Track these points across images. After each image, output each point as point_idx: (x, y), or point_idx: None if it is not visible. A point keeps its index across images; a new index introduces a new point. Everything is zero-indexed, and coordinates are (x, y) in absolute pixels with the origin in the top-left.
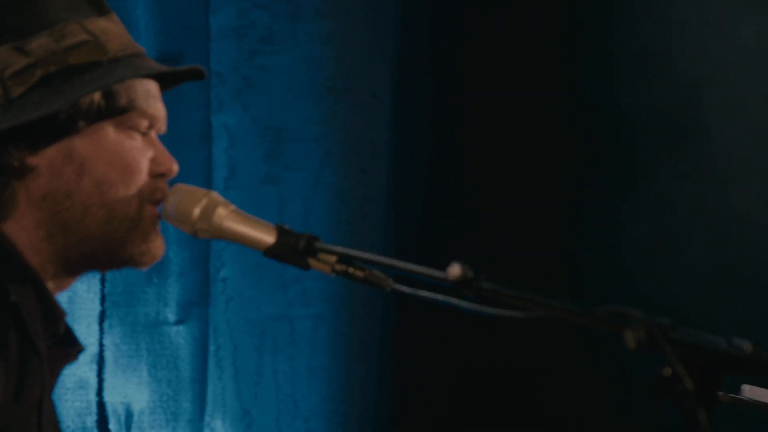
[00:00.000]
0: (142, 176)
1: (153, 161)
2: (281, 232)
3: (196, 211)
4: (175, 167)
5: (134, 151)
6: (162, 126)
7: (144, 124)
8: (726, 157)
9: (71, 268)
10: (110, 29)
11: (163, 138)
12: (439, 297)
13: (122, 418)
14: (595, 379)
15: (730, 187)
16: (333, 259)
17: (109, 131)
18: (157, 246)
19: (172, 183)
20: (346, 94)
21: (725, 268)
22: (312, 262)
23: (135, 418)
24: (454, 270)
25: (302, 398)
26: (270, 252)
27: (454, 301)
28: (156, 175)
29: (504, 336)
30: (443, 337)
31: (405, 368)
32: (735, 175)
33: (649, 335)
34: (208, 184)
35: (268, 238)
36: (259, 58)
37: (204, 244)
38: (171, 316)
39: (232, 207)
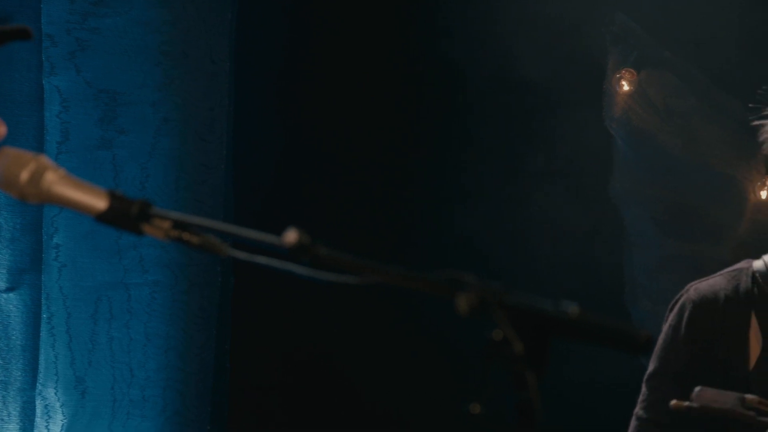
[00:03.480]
0: None
1: None
2: (113, 197)
3: (24, 176)
4: (3, 129)
5: None
6: None
7: None
8: (564, 127)
9: None
10: None
11: None
12: (276, 263)
13: None
14: (428, 344)
15: (566, 157)
16: (167, 224)
17: None
18: None
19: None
20: (183, 58)
21: (563, 237)
22: (145, 227)
23: None
24: (290, 236)
25: (138, 366)
26: (102, 217)
27: (291, 266)
28: None
29: (340, 302)
30: (281, 302)
31: (244, 335)
32: (576, 145)
33: (481, 300)
34: (40, 149)
35: (100, 203)
36: (92, 21)
37: (36, 210)
38: (1, 284)
39: (62, 171)
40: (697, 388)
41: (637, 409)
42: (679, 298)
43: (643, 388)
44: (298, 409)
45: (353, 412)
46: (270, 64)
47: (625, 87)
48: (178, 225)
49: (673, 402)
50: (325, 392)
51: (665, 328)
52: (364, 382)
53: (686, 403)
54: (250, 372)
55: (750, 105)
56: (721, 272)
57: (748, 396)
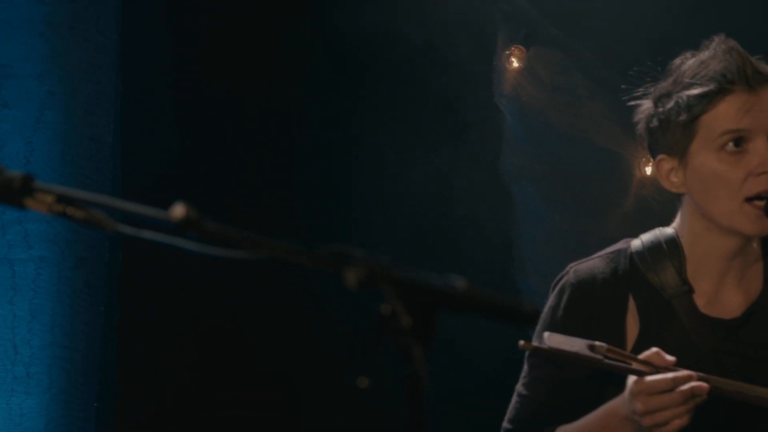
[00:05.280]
0: None
1: None
2: None
3: None
4: None
5: None
6: None
7: None
8: (457, 103)
9: None
10: None
11: None
12: (163, 238)
13: None
14: (316, 318)
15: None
16: (51, 198)
17: None
18: None
19: None
20: (69, 30)
21: (452, 212)
22: (28, 201)
23: None
24: (178, 210)
25: (23, 343)
26: None
27: (178, 241)
28: None
29: (232, 276)
30: (171, 278)
31: (133, 311)
32: (467, 120)
33: (369, 274)
34: None
35: None
36: None
37: None
38: None
39: None
40: (546, 333)
41: (519, 386)
42: (560, 279)
43: (525, 365)
44: (189, 385)
45: (245, 388)
46: (158, 35)
47: (515, 64)
48: (62, 199)
49: (521, 342)
50: (216, 367)
51: (546, 308)
52: (257, 358)
53: (535, 344)
54: (139, 349)
55: (622, 86)
56: (601, 253)
57: (597, 342)
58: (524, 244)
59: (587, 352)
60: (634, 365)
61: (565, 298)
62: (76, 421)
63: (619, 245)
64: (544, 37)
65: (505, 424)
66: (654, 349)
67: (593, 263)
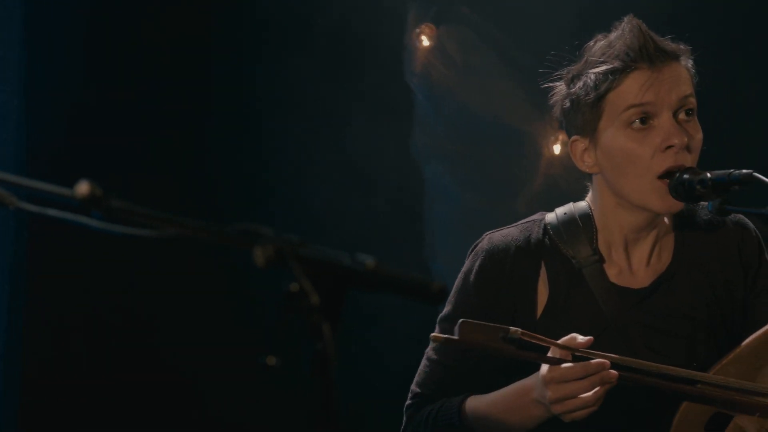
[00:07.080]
0: None
1: None
2: None
3: None
4: None
5: None
6: None
7: None
8: (367, 82)
9: None
10: None
11: None
12: (68, 215)
13: None
14: (227, 294)
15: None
16: None
17: None
18: None
19: None
20: None
21: (366, 191)
22: None
23: None
24: (82, 188)
25: None
26: None
27: (83, 219)
28: None
29: (139, 255)
30: (77, 256)
31: (38, 290)
32: (379, 100)
33: (277, 252)
34: None
35: None
36: None
37: None
38: None
39: None
40: (460, 320)
41: (428, 349)
42: (475, 246)
43: (436, 329)
44: (97, 365)
45: (154, 367)
46: (65, 6)
47: (425, 42)
48: None
49: (432, 334)
50: (124, 347)
51: (460, 274)
52: (165, 335)
53: (445, 336)
54: (44, 330)
55: (540, 70)
56: (516, 223)
57: (512, 328)
58: (435, 224)
59: (500, 343)
60: (550, 351)
61: (477, 263)
62: None
63: (535, 217)
64: (454, 15)
65: (414, 387)
66: (571, 335)
67: (508, 231)
